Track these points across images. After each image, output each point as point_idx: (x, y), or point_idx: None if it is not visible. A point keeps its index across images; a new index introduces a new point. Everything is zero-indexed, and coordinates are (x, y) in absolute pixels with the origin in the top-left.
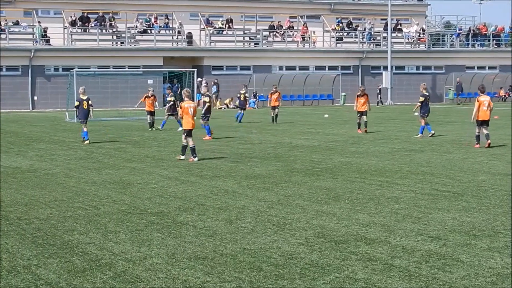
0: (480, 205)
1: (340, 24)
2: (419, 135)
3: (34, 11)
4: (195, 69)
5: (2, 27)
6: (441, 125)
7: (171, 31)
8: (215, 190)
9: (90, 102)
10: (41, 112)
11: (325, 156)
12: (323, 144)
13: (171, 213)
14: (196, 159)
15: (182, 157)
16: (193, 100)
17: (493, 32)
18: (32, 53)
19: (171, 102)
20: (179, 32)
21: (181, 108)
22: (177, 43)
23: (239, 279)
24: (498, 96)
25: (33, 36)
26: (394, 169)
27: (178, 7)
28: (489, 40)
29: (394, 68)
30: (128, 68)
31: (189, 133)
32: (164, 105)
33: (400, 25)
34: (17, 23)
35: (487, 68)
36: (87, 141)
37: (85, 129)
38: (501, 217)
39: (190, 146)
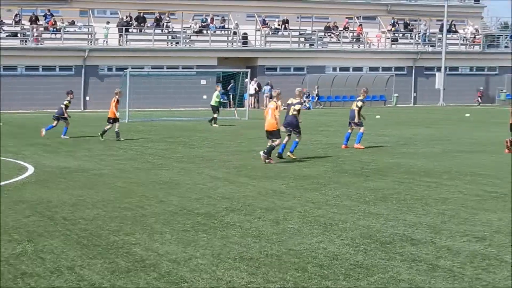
0: None
1: (396, 25)
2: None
3: (90, 11)
4: (249, 70)
5: (58, 27)
6: (493, 126)
7: (226, 32)
8: (263, 190)
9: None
10: (93, 112)
11: (375, 157)
12: (373, 145)
13: (218, 213)
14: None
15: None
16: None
17: None
18: (86, 53)
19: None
20: (235, 33)
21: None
22: (232, 44)
23: (283, 280)
24: None
25: (89, 36)
26: (443, 170)
27: (235, 8)
28: None
29: (447, 69)
30: (182, 69)
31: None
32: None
33: (455, 26)
34: (72, 23)
35: None
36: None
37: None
38: None
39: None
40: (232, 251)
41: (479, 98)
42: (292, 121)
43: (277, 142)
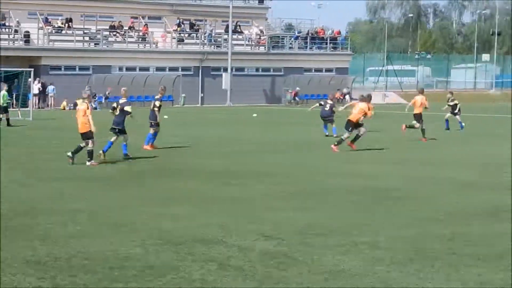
0: (315, 204)
1: (182, 26)
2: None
3: None
4: (32, 69)
5: None
6: (280, 126)
7: (7, 30)
8: None
9: None
10: None
11: (165, 158)
12: (165, 145)
13: None
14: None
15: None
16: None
17: (330, 35)
18: None
19: None
20: (16, 31)
21: None
22: (14, 42)
23: None
24: (335, 98)
25: None
26: (232, 170)
27: (15, 5)
28: (326, 43)
29: (234, 70)
30: None
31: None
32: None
33: (240, 27)
34: None
35: (324, 70)
36: None
37: None
38: (336, 215)
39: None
40: None
41: (295, 98)
42: (119, 121)
43: (90, 143)
